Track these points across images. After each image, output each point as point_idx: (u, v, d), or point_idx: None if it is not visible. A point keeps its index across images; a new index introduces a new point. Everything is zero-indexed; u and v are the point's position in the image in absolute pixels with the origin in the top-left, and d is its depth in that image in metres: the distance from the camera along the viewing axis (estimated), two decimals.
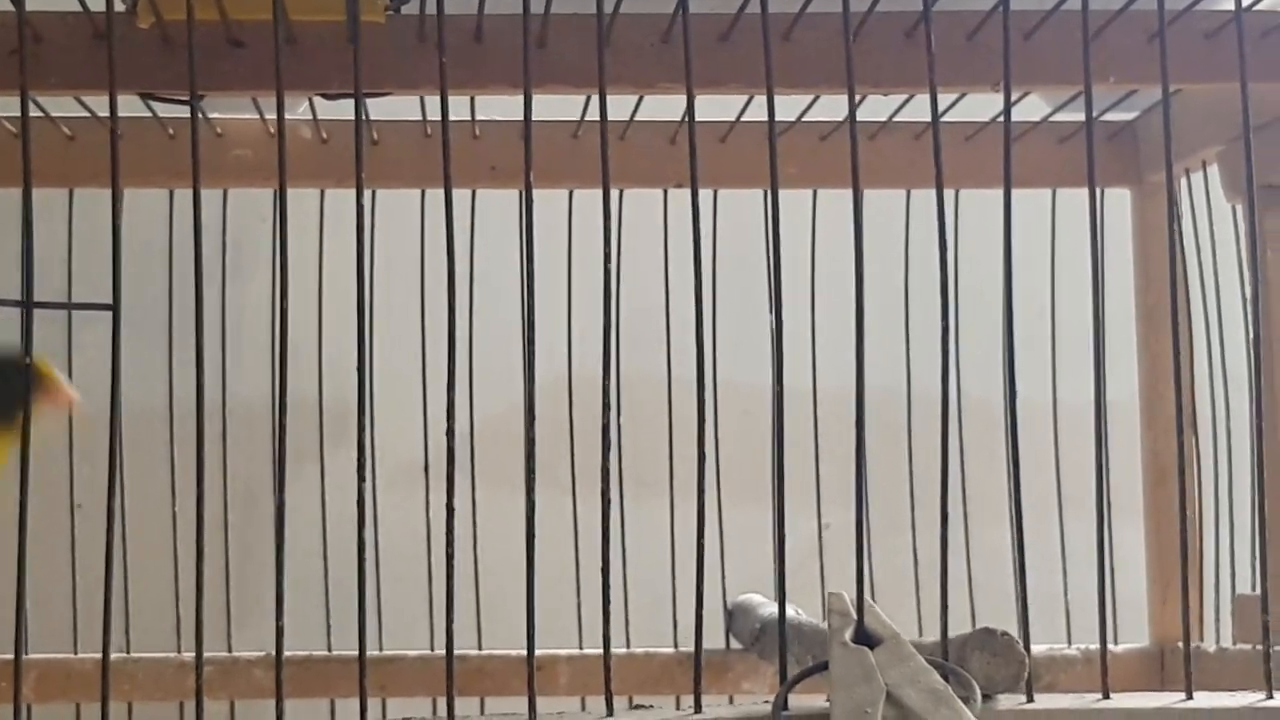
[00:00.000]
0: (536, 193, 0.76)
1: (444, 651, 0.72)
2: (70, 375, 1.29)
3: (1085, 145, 0.77)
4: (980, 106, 1.15)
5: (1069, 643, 1.24)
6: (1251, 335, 0.87)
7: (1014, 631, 0.73)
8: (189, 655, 1.21)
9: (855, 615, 0.71)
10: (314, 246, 1.30)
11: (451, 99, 0.75)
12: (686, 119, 0.76)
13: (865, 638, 0.70)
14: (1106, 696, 0.73)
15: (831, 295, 1.29)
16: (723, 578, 1.28)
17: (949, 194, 1.28)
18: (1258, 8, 0.92)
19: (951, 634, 0.73)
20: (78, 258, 1.28)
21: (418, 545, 1.27)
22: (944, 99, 1.09)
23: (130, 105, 1.09)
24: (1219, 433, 1.22)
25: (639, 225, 1.26)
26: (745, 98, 1.12)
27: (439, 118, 0.75)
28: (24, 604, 0.72)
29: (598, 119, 0.75)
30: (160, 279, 1.30)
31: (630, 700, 1.12)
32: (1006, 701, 0.72)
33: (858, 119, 0.76)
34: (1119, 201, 1.28)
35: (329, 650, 1.27)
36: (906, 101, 1.17)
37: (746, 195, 1.28)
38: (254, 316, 1.47)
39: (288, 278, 0.73)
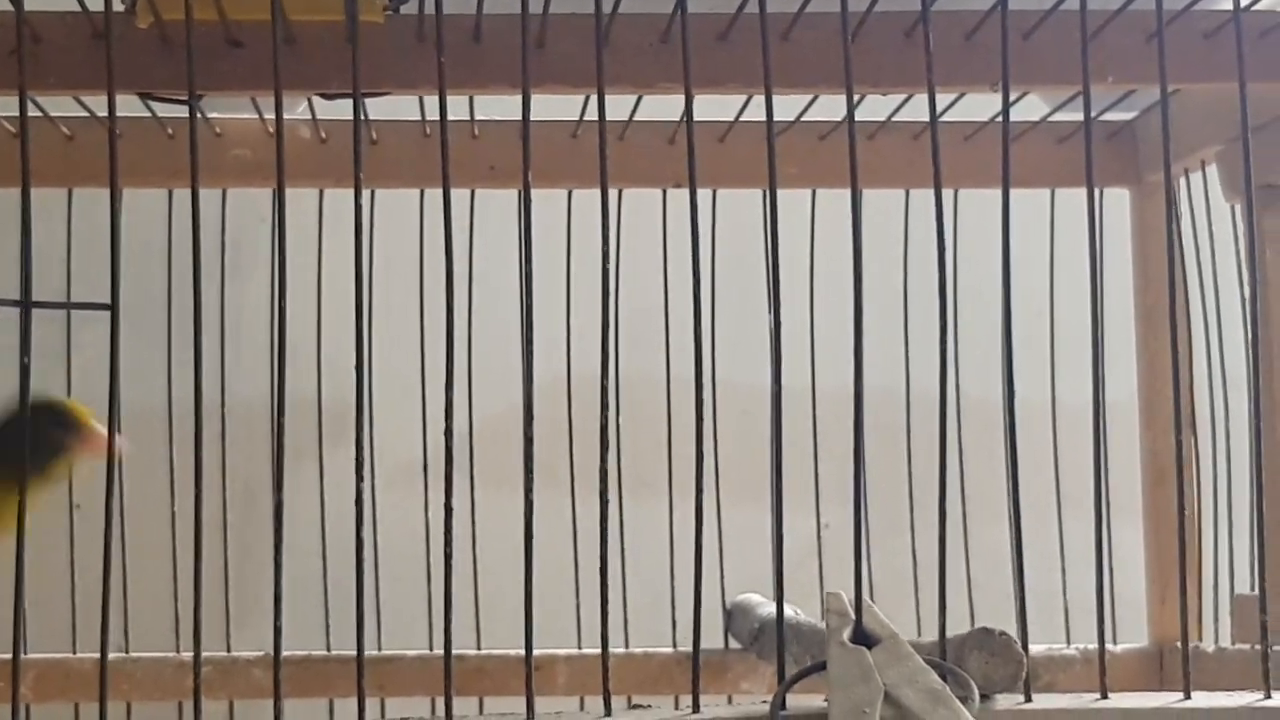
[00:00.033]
0: (536, 193, 0.76)
1: (443, 651, 0.72)
2: (69, 375, 1.31)
3: (1084, 145, 0.77)
4: (979, 106, 1.15)
5: (1068, 643, 1.24)
6: (1250, 335, 0.87)
7: (1012, 631, 0.73)
8: (188, 655, 1.21)
9: (853, 615, 0.71)
10: (313, 246, 1.30)
11: (450, 99, 0.75)
12: (685, 119, 0.76)
13: (863, 637, 0.70)
14: (1104, 696, 0.73)
15: (831, 295, 1.29)
16: (721, 578, 1.28)
17: (948, 194, 1.28)
18: (1256, 8, 0.92)
19: (950, 634, 0.73)
20: (77, 257, 1.28)
21: (417, 545, 1.27)
22: (943, 99, 1.10)
23: (129, 105, 1.09)
24: (1218, 433, 1.22)
25: (638, 225, 1.26)
26: (744, 98, 1.12)
27: (438, 118, 0.75)
28: (22, 604, 0.72)
29: (596, 119, 0.75)
30: (159, 279, 1.30)
31: (629, 700, 1.12)
32: (1004, 701, 0.72)
33: (857, 119, 0.76)
34: (1118, 201, 1.28)
35: (328, 650, 1.27)
36: (905, 101, 1.17)
37: (745, 195, 1.28)
38: (253, 316, 1.47)
39: (286, 277, 0.73)
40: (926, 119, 0.77)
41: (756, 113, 1.14)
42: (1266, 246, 1.04)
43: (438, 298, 0.74)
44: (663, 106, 1.13)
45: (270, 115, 1.15)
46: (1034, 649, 0.74)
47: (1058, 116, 1.19)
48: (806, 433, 1.31)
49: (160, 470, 1.28)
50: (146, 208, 1.28)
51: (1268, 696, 0.73)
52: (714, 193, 1.28)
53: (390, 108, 1.13)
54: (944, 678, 0.69)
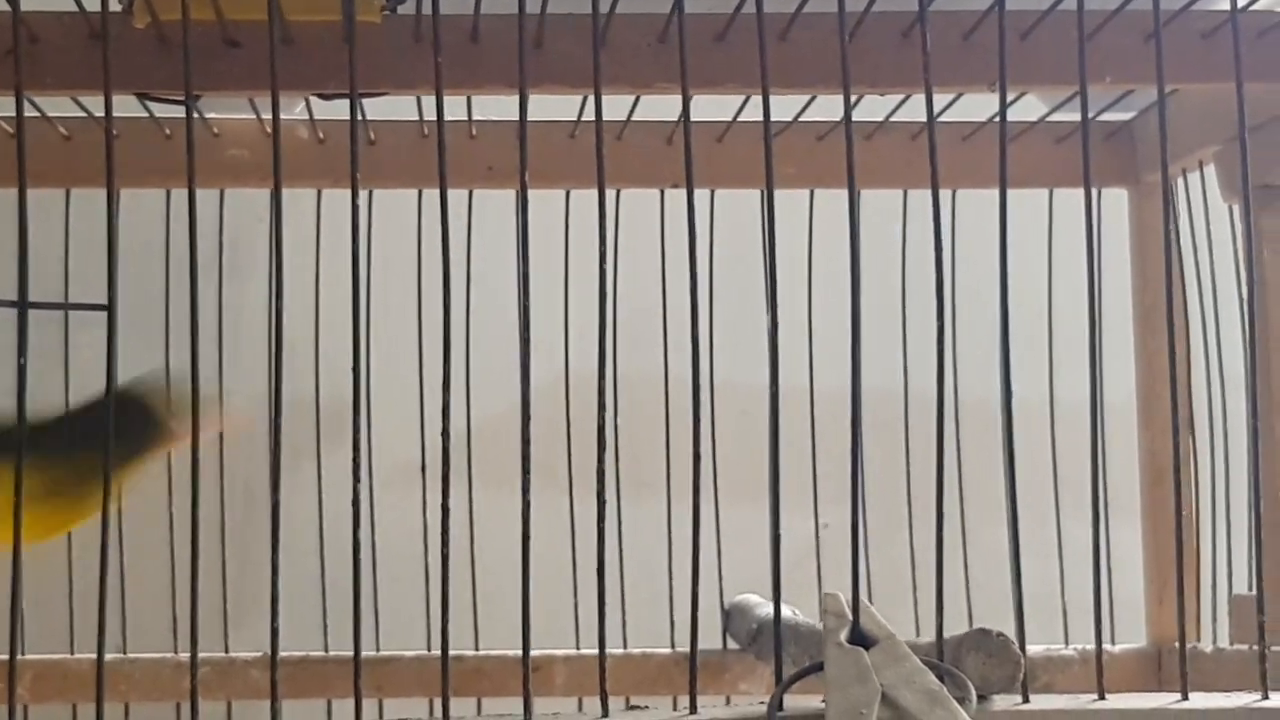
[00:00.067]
0: (534, 193, 0.76)
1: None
2: (67, 376, 1.30)
3: (1081, 145, 0.77)
4: (977, 107, 1.15)
5: (1066, 643, 1.24)
6: (1248, 335, 0.87)
7: (1010, 632, 0.73)
8: (186, 655, 1.21)
9: (850, 616, 0.71)
10: (311, 247, 1.30)
11: (448, 99, 0.75)
12: (682, 119, 0.76)
13: (861, 638, 0.70)
14: (1102, 697, 0.73)
15: (829, 295, 1.29)
16: (720, 578, 1.28)
17: (946, 194, 1.28)
18: (1254, 8, 0.92)
19: (948, 634, 0.73)
20: (75, 258, 1.28)
21: (415, 545, 1.27)
22: (941, 99, 1.10)
23: (127, 105, 1.09)
24: (1216, 433, 1.22)
25: (636, 225, 1.26)
26: (742, 98, 1.12)
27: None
28: (20, 604, 0.72)
29: (594, 119, 0.75)
30: (158, 279, 1.30)
31: (627, 701, 1.12)
32: (1002, 702, 0.72)
33: (855, 119, 0.76)
34: (1116, 202, 1.28)
35: (326, 651, 1.27)
36: (903, 102, 1.17)
37: (744, 195, 1.28)
38: (252, 316, 1.47)
39: (283, 277, 0.73)
40: (924, 119, 0.77)
41: (754, 113, 1.14)
42: (1264, 246, 1.04)
43: (436, 298, 0.74)
44: (661, 107, 1.13)
45: (268, 115, 1.15)
46: (1032, 649, 0.74)
47: (1056, 117, 1.19)
48: (805, 433, 1.31)
49: (158, 470, 1.28)
50: (145, 208, 1.28)
51: (1265, 697, 0.73)
52: (712, 193, 1.28)
53: (388, 108, 1.13)
54: (941, 678, 0.69)
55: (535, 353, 0.74)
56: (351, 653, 0.72)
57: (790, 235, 1.20)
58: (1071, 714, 0.72)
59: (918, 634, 1.09)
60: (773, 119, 0.75)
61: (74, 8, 0.90)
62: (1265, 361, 1.06)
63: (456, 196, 1.24)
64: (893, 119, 1.20)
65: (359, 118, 0.75)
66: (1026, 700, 0.72)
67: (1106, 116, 1.22)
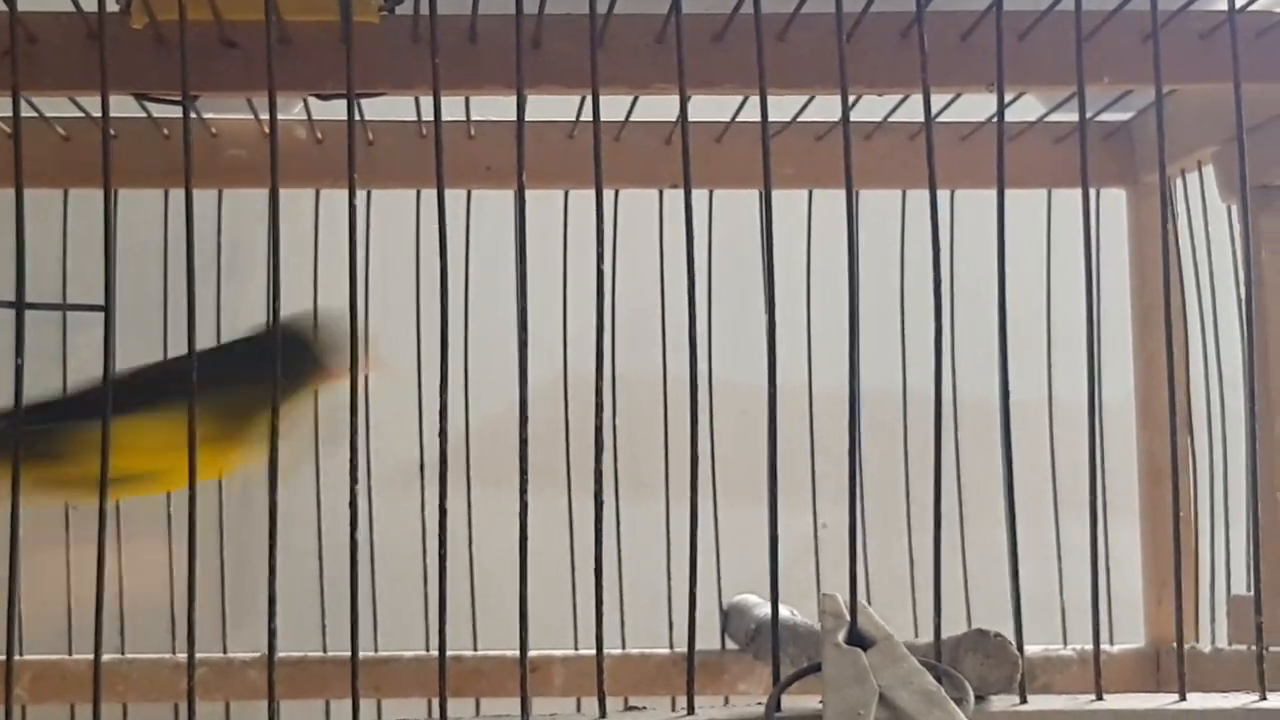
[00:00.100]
0: (532, 193, 0.76)
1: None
2: (65, 376, 1.30)
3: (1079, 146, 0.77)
4: (976, 107, 1.15)
5: (1065, 643, 1.24)
6: (1246, 335, 0.87)
7: (1008, 633, 0.73)
8: (184, 656, 1.21)
9: (848, 616, 0.71)
10: (309, 247, 1.30)
11: (447, 99, 0.75)
12: (680, 120, 0.76)
13: (858, 639, 0.70)
14: (1100, 698, 0.73)
15: (828, 295, 1.29)
16: (718, 578, 1.28)
17: (945, 194, 1.28)
18: (1252, 8, 0.92)
19: (946, 635, 0.73)
20: (74, 258, 1.28)
21: (413, 546, 1.27)
22: (939, 99, 1.09)
23: (125, 106, 1.09)
24: (1215, 433, 1.22)
25: (635, 226, 1.26)
26: (740, 98, 1.12)
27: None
28: (16, 605, 0.72)
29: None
30: (156, 279, 1.30)
31: (625, 701, 1.12)
32: (999, 703, 0.72)
33: (854, 119, 0.76)
34: (1115, 202, 1.28)
35: (324, 651, 1.27)
36: (902, 102, 1.17)
37: (742, 196, 1.28)
38: (250, 317, 1.46)
39: (279, 278, 0.73)
40: (923, 120, 0.77)
41: (753, 113, 1.14)
42: (1263, 247, 1.04)
43: (435, 298, 0.74)
44: (659, 107, 1.13)
45: (266, 116, 1.15)
46: (1031, 650, 0.74)
47: (1054, 117, 1.19)
48: (805, 433, 1.31)
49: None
50: (143, 208, 1.27)
51: (1263, 698, 0.73)
52: (710, 193, 1.28)
53: (387, 108, 1.13)
54: (939, 679, 0.69)
55: (534, 353, 0.74)
56: (350, 653, 0.72)
57: (789, 235, 1.20)
58: (1069, 714, 0.72)
59: (916, 635, 1.09)
60: (771, 119, 0.75)
61: (71, 8, 0.90)
62: (1264, 361, 1.06)
63: (455, 197, 1.24)
64: (891, 119, 1.20)
65: (357, 118, 0.75)
66: (1024, 701, 0.72)
67: (1105, 117, 1.22)
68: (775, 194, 0.77)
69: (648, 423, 1.29)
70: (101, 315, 0.73)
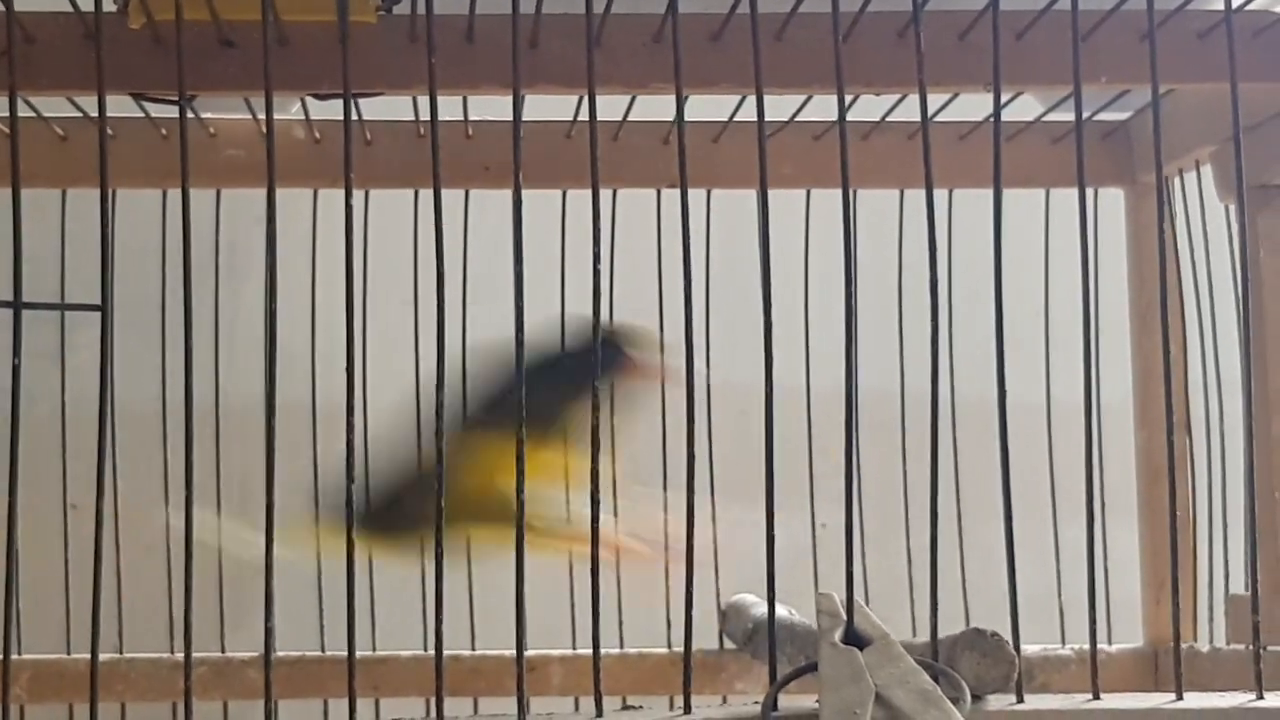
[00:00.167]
0: (530, 193, 0.76)
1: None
2: (63, 376, 1.30)
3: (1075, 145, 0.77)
4: (974, 106, 1.15)
5: (1063, 643, 1.24)
6: (1243, 335, 0.87)
7: (1006, 632, 0.73)
8: (182, 655, 1.22)
9: (845, 616, 0.71)
10: (307, 247, 1.29)
11: (445, 99, 0.75)
12: (677, 119, 0.76)
13: (855, 638, 0.70)
14: (1097, 697, 0.73)
15: (827, 295, 1.29)
16: (716, 578, 1.27)
17: (943, 194, 1.28)
18: (1249, 8, 0.92)
19: (944, 634, 0.73)
20: (73, 258, 1.28)
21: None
22: (937, 99, 1.09)
23: (123, 105, 1.09)
24: (1213, 433, 1.22)
25: (632, 225, 1.26)
26: (738, 98, 1.12)
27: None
28: (13, 604, 0.71)
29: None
30: (155, 279, 1.30)
31: (623, 700, 1.12)
32: (996, 702, 0.72)
33: (852, 119, 0.76)
34: (1113, 201, 1.28)
35: (322, 651, 1.27)
36: (899, 101, 1.16)
37: (740, 195, 1.28)
38: (249, 317, 1.47)
39: (276, 277, 0.73)
40: (920, 119, 0.77)
41: (751, 113, 1.15)
42: (1260, 246, 1.04)
43: (432, 298, 0.74)
44: (657, 107, 1.13)
45: (264, 115, 1.15)
46: (1029, 649, 0.74)
47: (1052, 116, 1.19)
48: (803, 433, 1.30)
49: (155, 470, 1.28)
50: (141, 208, 1.27)
51: (1260, 697, 0.73)
52: (708, 193, 1.28)
53: (384, 108, 1.13)
54: (935, 679, 0.69)
55: (532, 353, 0.74)
56: (347, 652, 0.72)
57: (788, 235, 1.20)
58: (1066, 714, 0.72)
59: (914, 634, 1.09)
60: (769, 119, 0.75)
61: (69, 8, 0.90)
62: (1261, 361, 1.05)
63: (453, 196, 1.24)
64: (889, 119, 1.20)
65: (355, 118, 0.75)
66: (1021, 700, 0.72)
67: (1103, 116, 1.22)
68: (773, 193, 0.77)
69: (647, 423, 1.29)
70: (99, 315, 0.73)
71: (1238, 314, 1.14)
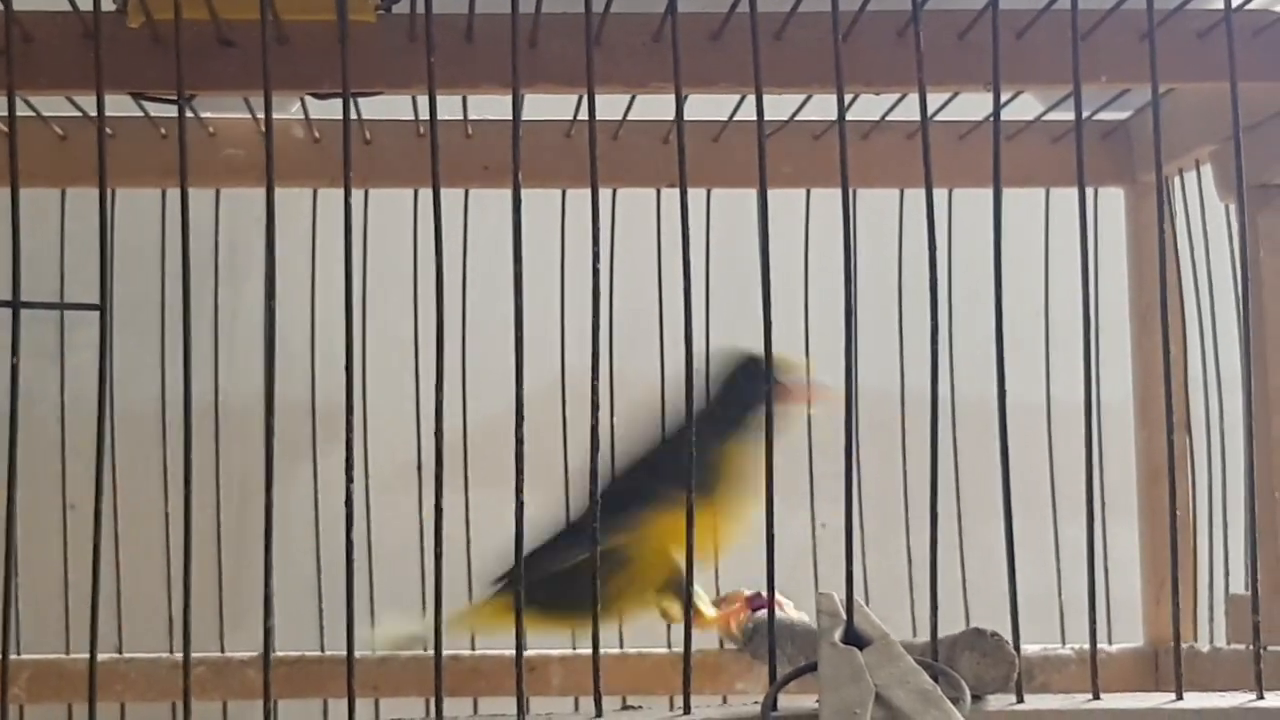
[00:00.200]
0: (530, 192, 0.76)
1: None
2: (62, 375, 1.30)
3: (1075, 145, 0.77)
4: (973, 106, 1.15)
5: (1063, 643, 1.24)
6: (1243, 335, 0.87)
7: (1005, 632, 0.73)
8: (181, 655, 1.21)
9: (844, 615, 0.71)
10: (307, 246, 1.29)
11: (445, 98, 0.75)
12: (676, 119, 0.76)
13: (855, 638, 0.70)
14: (1096, 697, 0.73)
15: (827, 295, 1.29)
16: (716, 577, 1.27)
17: (943, 193, 1.28)
18: (1249, 7, 0.92)
19: (944, 634, 0.73)
20: (72, 257, 1.28)
21: (411, 545, 1.27)
22: (936, 98, 1.09)
23: (122, 105, 1.09)
24: (1213, 433, 1.22)
25: (632, 225, 1.26)
26: (737, 97, 1.12)
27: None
28: (11, 604, 0.71)
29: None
30: (154, 279, 1.30)
31: (623, 700, 1.12)
32: (996, 702, 0.72)
33: (851, 118, 0.76)
34: (1113, 201, 1.28)
35: (322, 650, 1.27)
36: (899, 101, 1.16)
37: (740, 194, 1.28)
38: (249, 316, 1.47)
39: (275, 277, 0.73)
40: (920, 118, 0.77)
41: (750, 112, 1.15)
42: (1260, 246, 1.04)
43: (432, 298, 0.74)
44: (656, 106, 1.13)
45: (263, 115, 1.15)
46: (1029, 649, 0.74)
47: (1052, 116, 1.19)
48: (803, 433, 1.30)
49: (154, 470, 1.28)
50: (140, 208, 1.27)
51: (1260, 697, 0.73)
52: (708, 192, 1.28)
53: (384, 107, 1.13)
54: (935, 678, 0.69)
55: (532, 353, 0.74)
56: (346, 652, 0.72)
57: (788, 235, 1.20)
58: (1066, 714, 0.72)
59: (914, 634, 1.09)
60: (769, 118, 0.75)
61: (68, 7, 0.90)
62: (1261, 361, 1.05)
63: (452, 196, 1.24)
64: (889, 118, 1.19)
65: (354, 117, 0.75)
66: (1021, 700, 0.72)
67: (1103, 116, 1.22)
68: (773, 193, 0.77)
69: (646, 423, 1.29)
70: (98, 314, 0.73)
71: (1238, 314, 1.13)
